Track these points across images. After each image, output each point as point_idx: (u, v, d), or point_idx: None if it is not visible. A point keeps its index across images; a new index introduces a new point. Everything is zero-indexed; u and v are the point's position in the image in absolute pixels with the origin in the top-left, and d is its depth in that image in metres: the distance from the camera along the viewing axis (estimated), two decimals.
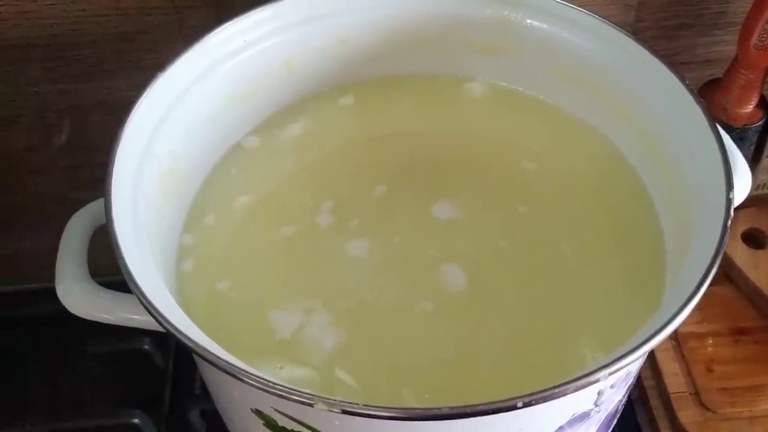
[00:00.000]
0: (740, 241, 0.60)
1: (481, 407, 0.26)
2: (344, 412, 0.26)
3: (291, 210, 0.42)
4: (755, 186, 0.57)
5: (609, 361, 0.27)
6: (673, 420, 0.53)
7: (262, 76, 0.45)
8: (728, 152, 0.35)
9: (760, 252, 0.59)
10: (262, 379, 0.27)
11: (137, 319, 0.36)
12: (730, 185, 0.33)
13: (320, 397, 0.27)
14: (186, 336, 0.29)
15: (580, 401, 0.31)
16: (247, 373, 0.28)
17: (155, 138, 0.39)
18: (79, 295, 0.35)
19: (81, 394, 0.56)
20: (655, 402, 0.55)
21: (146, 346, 0.56)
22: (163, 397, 0.55)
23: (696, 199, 0.36)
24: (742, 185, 0.37)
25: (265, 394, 0.28)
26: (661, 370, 0.55)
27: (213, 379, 0.36)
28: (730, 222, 0.32)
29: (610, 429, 0.41)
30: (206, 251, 0.41)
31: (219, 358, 0.28)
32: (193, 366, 0.56)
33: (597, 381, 0.27)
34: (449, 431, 0.29)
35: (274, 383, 0.27)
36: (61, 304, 0.60)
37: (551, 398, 0.27)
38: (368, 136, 0.46)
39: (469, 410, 0.26)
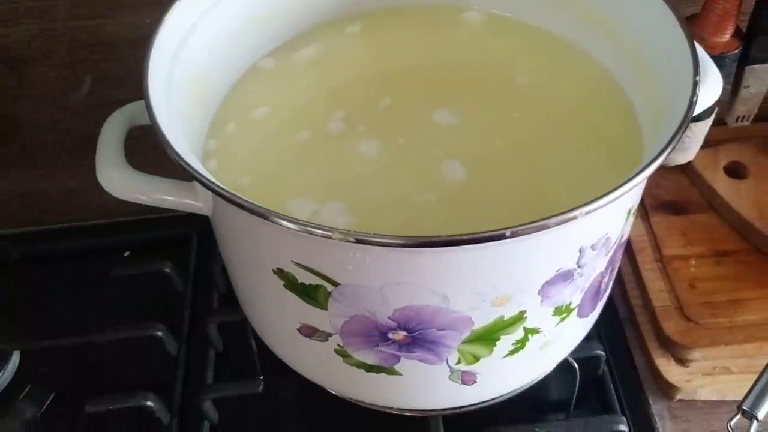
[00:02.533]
0: (723, 173, 0.64)
1: (474, 235, 0.30)
2: (358, 240, 0.30)
3: (305, 119, 0.47)
4: (735, 119, 0.61)
5: (585, 201, 0.32)
6: (658, 332, 0.57)
7: (278, 2, 0.49)
8: (699, 57, 0.40)
9: (742, 182, 0.63)
10: (287, 216, 0.31)
11: (170, 200, 0.40)
12: (696, 71, 0.37)
13: (336, 228, 0.31)
14: (226, 190, 0.33)
15: (564, 254, 0.35)
16: (275, 212, 0.32)
17: (182, 49, 0.43)
18: (117, 178, 0.40)
19: (107, 315, 0.60)
20: (642, 318, 0.58)
21: (167, 270, 0.61)
22: (182, 318, 0.59)
23: (669, 92, 0.40)
24: (714, 84, 0.41)
25: (289, 238, 0.32)
26: (647, 287, 0.59)
27: (238, 246, 0.40)
28: (695, 99, 0.36)
29: (594, 313, 0.45)
30: (229, 153, 0.45)
31: (252, 203, 0.32)
32: (211, 284, 0.60)
33: (575, 218, 0.31)
34: (448, 270, 0.33)
35: (297, 219, 0.31)
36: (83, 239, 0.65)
37: (535, 230, 0.31)
38: (374, 59, 0.51)
39: (465, 237, 0.30)
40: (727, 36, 0.54)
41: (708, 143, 0.61)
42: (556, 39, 0.50)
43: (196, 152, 0.44)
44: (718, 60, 0.55)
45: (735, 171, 0.64)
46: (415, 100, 0.47)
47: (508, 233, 0.30)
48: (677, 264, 0.60)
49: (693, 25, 0.55)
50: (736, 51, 0.55)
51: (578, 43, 0.49)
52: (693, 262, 0.60)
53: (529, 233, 0.31)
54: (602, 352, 0.53)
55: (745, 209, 0.61)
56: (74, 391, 0.56)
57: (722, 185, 0.63)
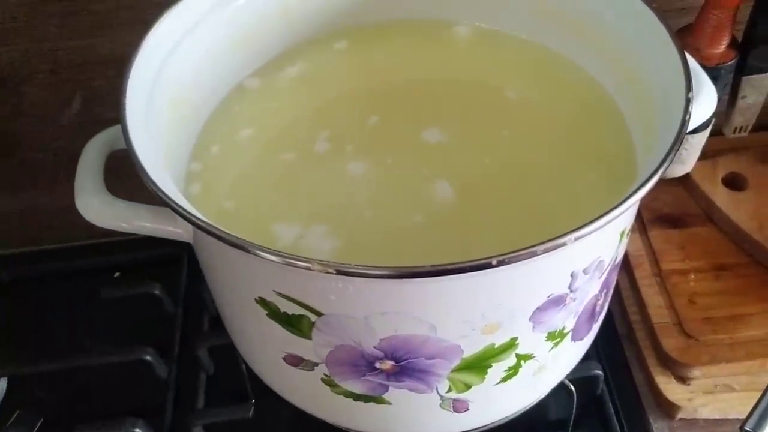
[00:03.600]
0: (721, 185, 0.63)
1: (459, 265, 0.29)
2: (339, 272, 0.29)
3: (290, 140, 0.46)
4: (732, 129, 0.60)
5: (575, 227, 0.30)
6: (657, 348, 0.55)
7: (263, 20, 0.48)
8: (692, 70, 0.39)
9: (741, 194, 0.62)
10: (267, 248, 0.30)
11: (150, 227, 0.39)
12: (689, 87, 0.36)
13: (316, 260, 0.30)
14: (202, 220, 0.32)
15: (555, 280, 0.34)
16: (254, 244, 0.30)
17: (164, 70, 0.42)
18: (97, 206, 0.39)
19: (96, 336, 0.59)
20: (640, 334, 0.57)
21: (156, 292, 0.60)
22: (173, 340, 0.58)
23: (662, 108, 0.39)
24: (708, 98, 0.40)
25: (269, 268, 0.31)
26: (646, 303, 0.57)
27: (219, 274, 0.39)
28: (688, 117, 0.35)
29: (590, 335, 0.44)
30: (213, 176, 0.44)
31: (230, 234, 0.31)
32: (202, 305, 0.59)
33: (564, 244, 0.30)
34: (434, 299, 0.32)
35: (277, 251, 0.30)
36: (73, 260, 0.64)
37: (523, 258, 0.30)
38: (361, 76, 0.50)
39: (449, 267, 0.29)
40: (722, 47, 0.53)
41: (706, 154, 0.59)
42: (546, 52, 0.49)
43: (179, 175, 0.44)
44: (714, 71, 0.54)
45: (733, 182, 0.63)
46: (403, 118, 0.46)
47: (494, 262, 0.29)
48: (676, 278, 0.59)
49: (688, 36, 0.54)
50: (732, 61, 0.54)
51: (569, 56, 0.48)
52: (692, 276, 0.59)
53: (517, 261, 0.30)
54: (600, 372, 0.52)
55: (744, 221, 0.60)
56: (63, 416, 0.55)
57: (721, 197, 0.62)
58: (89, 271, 0.65)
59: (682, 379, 0.54)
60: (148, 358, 0.55)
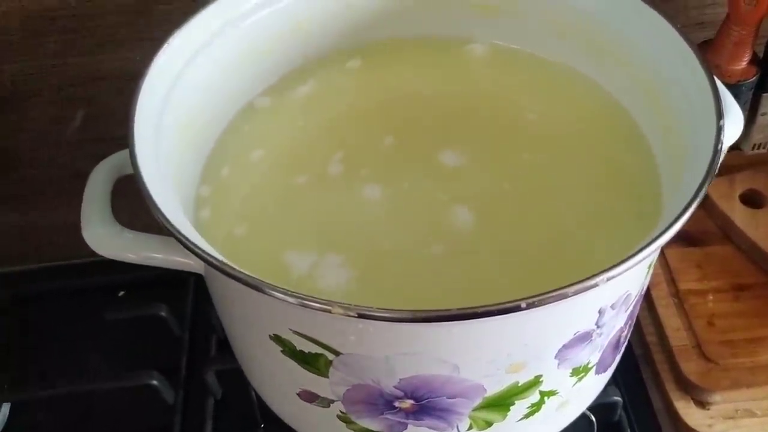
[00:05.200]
0: (738, 202, 0.62)
1: (488, 308, 0.28)
2: (360, 315, 0.28)
3: (303, 162, 0.44)
4: (751, 146, 0.59)
5: (606, 267, 0.29)
6: (676, 372, 0.54)
7: (273, 38, 0.47)
8: (719, 89, 0.37)
9: (759, 212, 0.61)
10: (283, 288, 0.29)
11: (159, 258, 0.37)
12: (720, 114, 0.35)
13: (336, 302, 0.28)
14: (215, 258, 0.31)
15: (582, 318, 0.33)
16: (270, 284, 0.29)
17: (173, 91, 0.41)
18: (104, 237, 0.37)
19: (100, 359, 0.58)
20: (658, 356, 0.56)
21: (163, 313, 0.58)
22: (179, 363, 0.57)
23: (689, 132, 0.37)
24: (735, 120, 0.38)
25: (286, 307, 0.30)
26: (664, 325, 0.56)
27: (232, 308, 0.38)
28: (720, 146, 0.34)
29: (613, 366, 0.42)
30: (223, 200, 0.43)
31: (244, 273, 0.30)
32: (209, 328, 0.58)
33: (596, 285, 0.29)
34: (460, 340, 0.31)
35: (294, 292, 0.29)
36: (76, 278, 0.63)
37: (553, 300, 0.28)
38: (375, 95, 0.48)
39: (478, 311, 0.28)
40: (743, 63, 0.52)
41: (723, 171, 0.58)
42: (565, 71, 0.47)
43: (189, 200, 0.42)
44: (735, 88, 0.53)
45: (752, 199, 0.62)
46: (418, 139, 0.45)
47: (523, 305, 0.28)
48: (694, 299, 0.57)
49: (708, 52, 0.53)
50: (753, 78, 0.53)
51: (588, 75, 0.47)
52: (710, 297, 0.57)
53: (548, 303, 0.28)
54: (619, 398, 0.51)
55: (762, 239, 0.59)
56: None
57: (738, 214, 0.61)
58: (92, 289, 0.64)
59: (702, 404, 0.53)
60: (155, 382, 0.54)
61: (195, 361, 0.57)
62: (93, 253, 0.64)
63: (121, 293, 0.63)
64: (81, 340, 0.59)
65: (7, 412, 0.55)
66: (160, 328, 0.58)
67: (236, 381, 0.52)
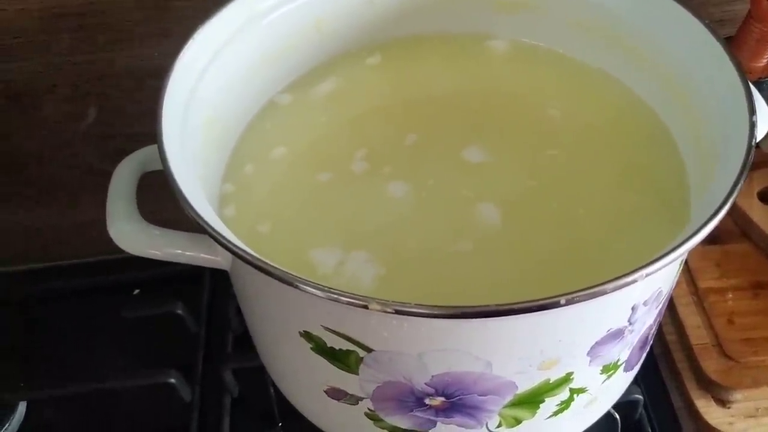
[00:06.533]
0: (757, 199, 0.61)
1: (526, 304, 0.28)
2: (397, 311, 0.28)
3: (326, 159, 0.44)
4: None
5: (646, 263, 0.29)
6: (696, 370, 0.54)
7: (294, 34, 0.46)
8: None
9: None
10: (319, 284, 0.29)
11: (185, 254, 0.37)
12: (752, 109, 0.35)
13: (373, 298, 0.28)
14: (249, 253, 0.31)
15: (616, 314, 0.33)
16: (307, 280, 0.29)
17: (197, 88, 0.41)
18: (129, 233, 0.37)
19: (116, 357, 0.58)
20: (678, 355, 0.56)
21: (179, 311, 0.58)
22: (196, 361, 0.57)
23: (719, 130, 0.37)
24: (764, 117, 0.38)
25: (318, 302, 0.29)
26: (684, 323, 0.56)
27: (259, 305, 0.37)
28: (754, 142, 0.33)
29: (639, 363, 0.42)
30: (246, 198, 0.42)
31: (278, 268, 0.30)
32: (226, 325, 0.58)
33: (634, 281, 0.28)
34: (494, 337, 0.31)
35: (329, 288, 0.29)
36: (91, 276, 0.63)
37: (591, 296, 0.28)
38: (396, 92, 0.48)
39: (516, 307, 0.28)
40: (765, 60, 0.52)
41: None
42: (587, 67, 0.47)
43: (213, 198, 0.42)
44: (756, 86, 0.52)
45: None
46: (442, 136, 0.45)
47: (562, 301, 0.28)
48: (714, 297, 0.57)
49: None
50: None
51: (611, 71, 0.47)
52: (730, 295, 0.57)
53: (586, 300, 0.28)
54: (640, 396, 0.50)
55: None
56: None
57: (757, 212, 0.60)
58: (107, 288, 0.63)
59: (723, 402, 0.53)
60: (172, 380, 0.54)
61: (211, 358, 0.57)
62: (108, 251, 0.64)
63: (136, 291, 0.63)
64: (97, 339, 0.59)
65: (24, 411, 0.55)
66: (176, 325, 0.58)
67: (254, 378, 0.52)
